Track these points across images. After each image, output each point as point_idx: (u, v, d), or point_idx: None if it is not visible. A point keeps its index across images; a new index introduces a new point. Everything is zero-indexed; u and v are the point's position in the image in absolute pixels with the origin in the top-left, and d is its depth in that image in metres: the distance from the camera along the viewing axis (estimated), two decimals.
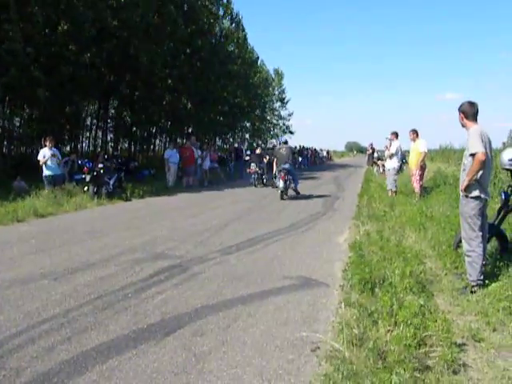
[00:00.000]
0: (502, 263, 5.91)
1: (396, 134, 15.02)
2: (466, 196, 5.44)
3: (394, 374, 3.23)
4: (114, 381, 3.46)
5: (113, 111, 30.33)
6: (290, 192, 16.40)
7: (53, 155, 13.62)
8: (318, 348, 3.97)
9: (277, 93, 61.79)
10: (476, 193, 5.36)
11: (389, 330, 3.99)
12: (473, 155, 5.24)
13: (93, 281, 5.94)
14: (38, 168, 13.97)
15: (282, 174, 15.53)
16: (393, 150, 14.95)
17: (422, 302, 4.51)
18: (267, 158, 21.09)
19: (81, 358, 3.81)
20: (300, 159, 40.86)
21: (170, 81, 27.14)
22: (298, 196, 16.41)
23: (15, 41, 15.81)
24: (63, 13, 18.24)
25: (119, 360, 3.78)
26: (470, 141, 5.32)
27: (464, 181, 5.40)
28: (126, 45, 21.44)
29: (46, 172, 13.60)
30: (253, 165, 21.38)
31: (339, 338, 4.00)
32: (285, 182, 15.48)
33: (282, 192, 15.56)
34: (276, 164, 17.13)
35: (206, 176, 21.89)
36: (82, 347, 4.00)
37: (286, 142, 17.39)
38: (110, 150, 29.06)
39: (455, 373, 3.51)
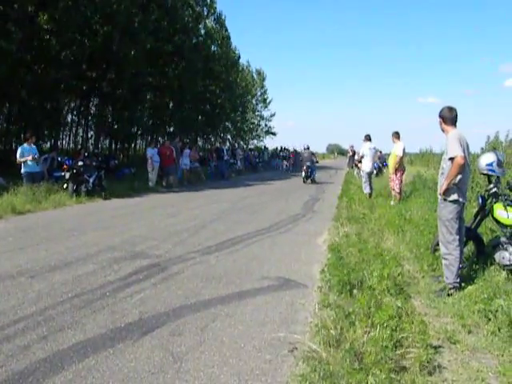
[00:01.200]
0: (477, 266, 6.02)
1: (367, 137, 15.16)
2: (445, 199, 5.50)
3: (371, 374, 3.25)
4: (90, 380, 3.44)
5: (93, 109, 30.10)
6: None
7: (34, 158, 13.40)
8: (296, 349, 3.98)
9: (259, 93, 61.79)
10: (454, 196, 5.42)
11: (366, 332, 4.01)
12: (452, 159, 5.31)
13: (70, 279, 5.89)
14: (16, 165, 13.78)
15: (305, 168, 24.38)
16: (361, 152, 15.22)
17: (399, 304, 4.55)
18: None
19: (57, 356, 3.78)
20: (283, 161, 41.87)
21: (151, 79, 27.03)
22: (282, 196, 17.14)
23: (10, 41, 15.83)
24: (45, 7, 18.10)
25: (96, 359, 3.76)
26: (448, 145, 5.40)
27: (443, 184, 5.47)
28: (108, 41, 21.29)
29: (24, 169, 13.41)
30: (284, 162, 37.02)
31: (316, 338, 4.02)
32: (306, 173, 24.29)
33: (303, 178, 24.43)
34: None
35: (186, 176, 21.85)
36: (59, 346, 3.97)
37: (308, 148, 25.67)
38: (91, 147, 28.84)
39: (430, 374, 3.56)
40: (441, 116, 5.72)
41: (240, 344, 4.12)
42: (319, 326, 4.20)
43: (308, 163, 24.44)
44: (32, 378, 3.45)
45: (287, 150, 50.64)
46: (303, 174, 24.51)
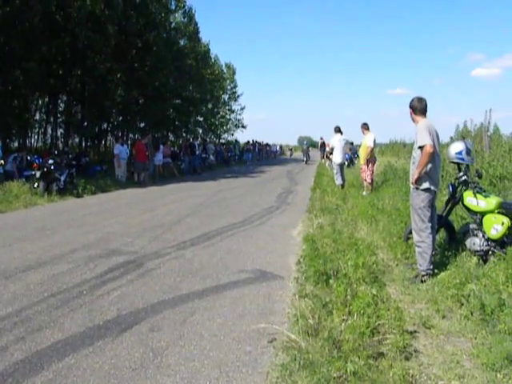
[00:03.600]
0: (449, 253, 6.13)
1: (337, 129, 15.29)
2: (417, 188, 5.61)
3: (349, 361, 3.31)
4: (70, 379, 3.42)
5: (62, 106, 29.64)
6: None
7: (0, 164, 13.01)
8: (275, 339, 4.03)
9: (229, 87, 61.43)
10: (426, 185, 5.53)
11: (343, 320, 4.09)
12: (421, 148, 5.42)
13: (46, 279, 5.83)
14: None
15: (305, 155, 42.99)
16: (331, 144, 15.42)
17: (374, 292, 4.62)
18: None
19: (36, 357, 3.75)
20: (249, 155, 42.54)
21: (120, 75, 26.70)
22: (256, 189, 17.25)
23: None
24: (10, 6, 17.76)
25: (76, 358, 3.74)
26: (418, 134, 5.51)
27: (414, 173, 5.57)
28: (73, 38, 20.94)
29: None
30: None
31: (295, 328, 4.07)
32: (305, 158, 42.60)
33: (304, 161, 40.87)
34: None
35: (158, 171, 21.74)
36: (37, 346, 3.94)
37: (306, 144, 48.63)
38: (60, 145, 28.41)
39: (407, 359, 3.63)
40: (411, 106, 5.83)
41: (219, 337, 4.15)
42: (297, 316, 4.25)
43: (307, 152, 43.80)
44: (11, 379, 3.41)
45: (258, 143, 51.08)
46: (305, 158, 42.08)
